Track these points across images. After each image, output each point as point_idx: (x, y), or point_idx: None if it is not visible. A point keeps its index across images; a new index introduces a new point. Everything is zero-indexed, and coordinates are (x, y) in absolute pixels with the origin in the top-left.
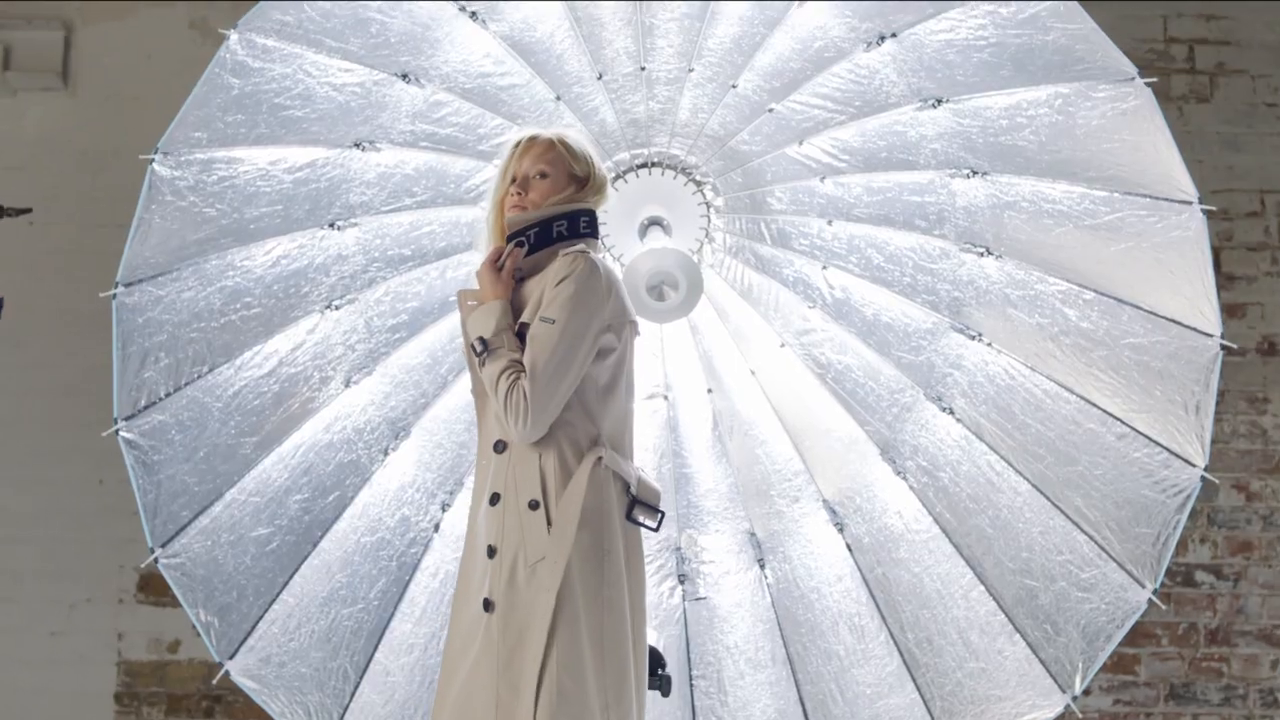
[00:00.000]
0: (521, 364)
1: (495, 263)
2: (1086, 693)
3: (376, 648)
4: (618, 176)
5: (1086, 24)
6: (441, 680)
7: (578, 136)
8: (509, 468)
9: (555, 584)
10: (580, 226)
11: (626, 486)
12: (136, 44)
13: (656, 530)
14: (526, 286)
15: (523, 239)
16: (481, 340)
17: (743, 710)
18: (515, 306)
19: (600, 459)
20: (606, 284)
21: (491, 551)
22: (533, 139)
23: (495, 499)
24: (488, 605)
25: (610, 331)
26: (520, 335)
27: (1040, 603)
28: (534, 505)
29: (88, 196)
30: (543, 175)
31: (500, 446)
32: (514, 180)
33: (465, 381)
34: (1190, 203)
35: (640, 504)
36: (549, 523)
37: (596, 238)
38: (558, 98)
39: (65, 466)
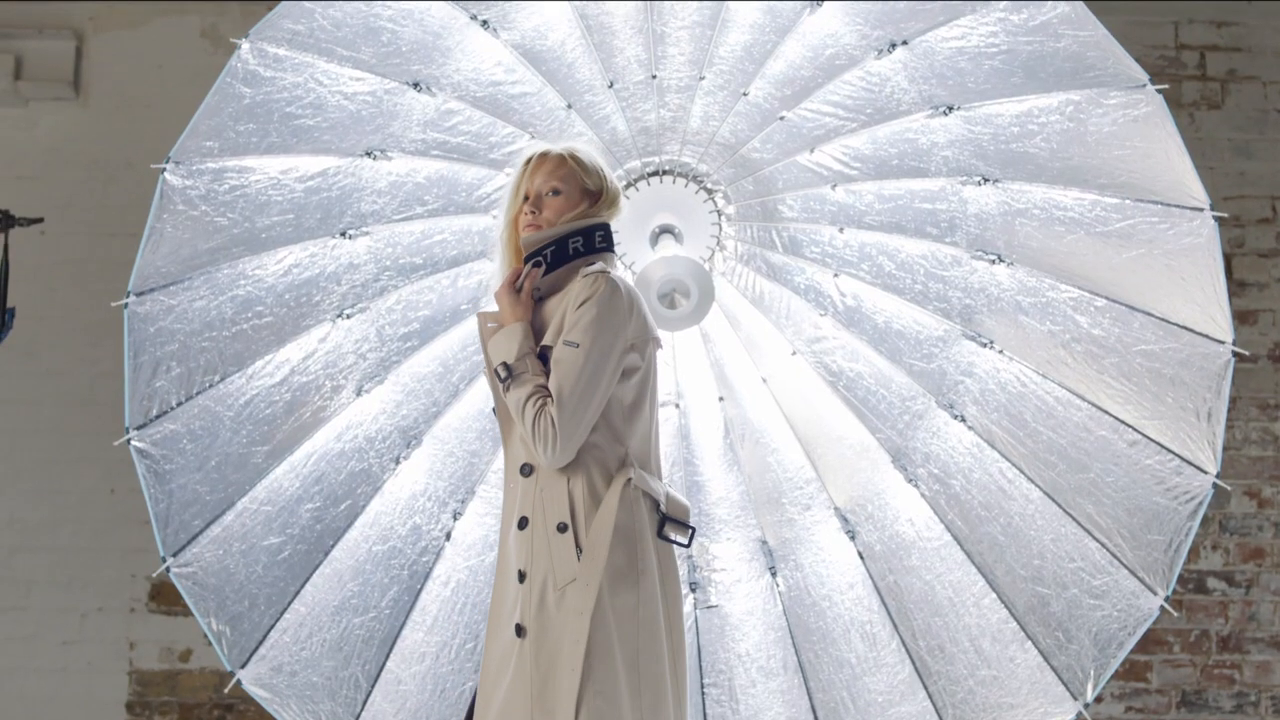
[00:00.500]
0: (547, 389)
1: (513, 284)
2: (1098, 700)
3: (388, 656)
4: (629, 184)
5: (1098, 31)
6: (479, 707)
7: (588, 149)
8: (536, 491)
9: (588, 607)
10: (596, 241)
11: (656, 504)
12: (148, 53)
13: (688, 546)
14: (547, 306)
15: (540, 258)
16: (505, 366)
17: (755, 718)
18: (536, 327)
19: (630, 480)
20: (628, 303)
21: (521, 576)
22: (544, 155)
23: (524, 523)
24: (519, 631)
25: (634, 351)
26: (543, 357)
27: (1052, 610)
28: (562, 528)
29: (99, 206)
30: (555, 192)
31: (527, 470)
32: (527, 198)
33: (476, 390)
34: (1202, 209)
35: (671, 521)
36: (578, 546)
37: (613, 251)
38: (569, 106)
39: (77, 476)
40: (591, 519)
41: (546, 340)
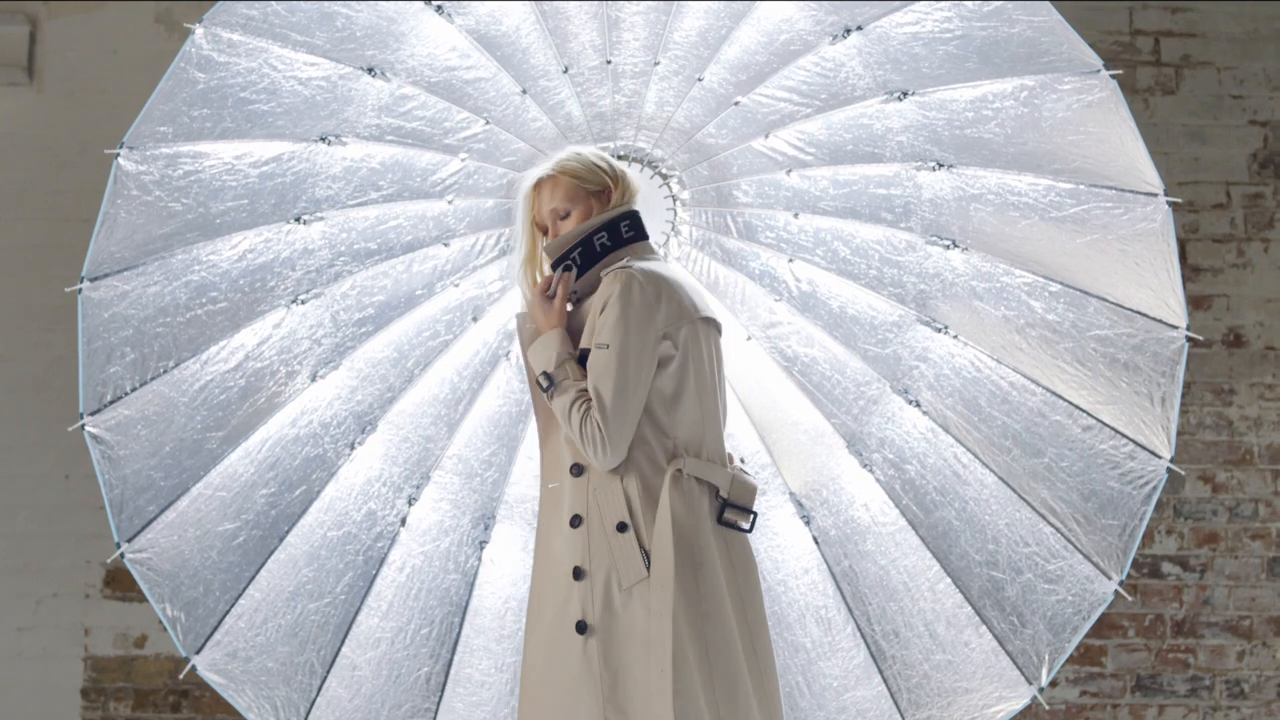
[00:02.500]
0: (588, 393)
1: (546, 292)
2: (1053, 684)
3: (343, 642)
4: None
5: (1052, 17)
6: (524, 701)
7: (576, 150)
8: (589, 490)
9: (667, 609)
10: (622, 233)
11: (715, 490)
12: (102, 39)
13: (749, 531)
14: (585, 306)
15: (569, 263)
16: (546, 375)
17: None
18: (575, 329)
19: (680, 470)
20: (654, 293)
21: (579, 573)
22: (537, 184)
23: (576, 520)
24: (581, 628)
25: (667, 339)
26: (583, 361)
27: (1007, 594)
28: (622, 528)
29: (53, 191)
30: (564, 215)
31: (577, 470)
32: (544, 231)
33: (431, 375)
34: (1156, 195)
35: (732, 506)
36: (641, 546)
37: (645, 238)
38: (523, 91)
39: (31, 462)
40: (649, 516)
41: (583, 343)
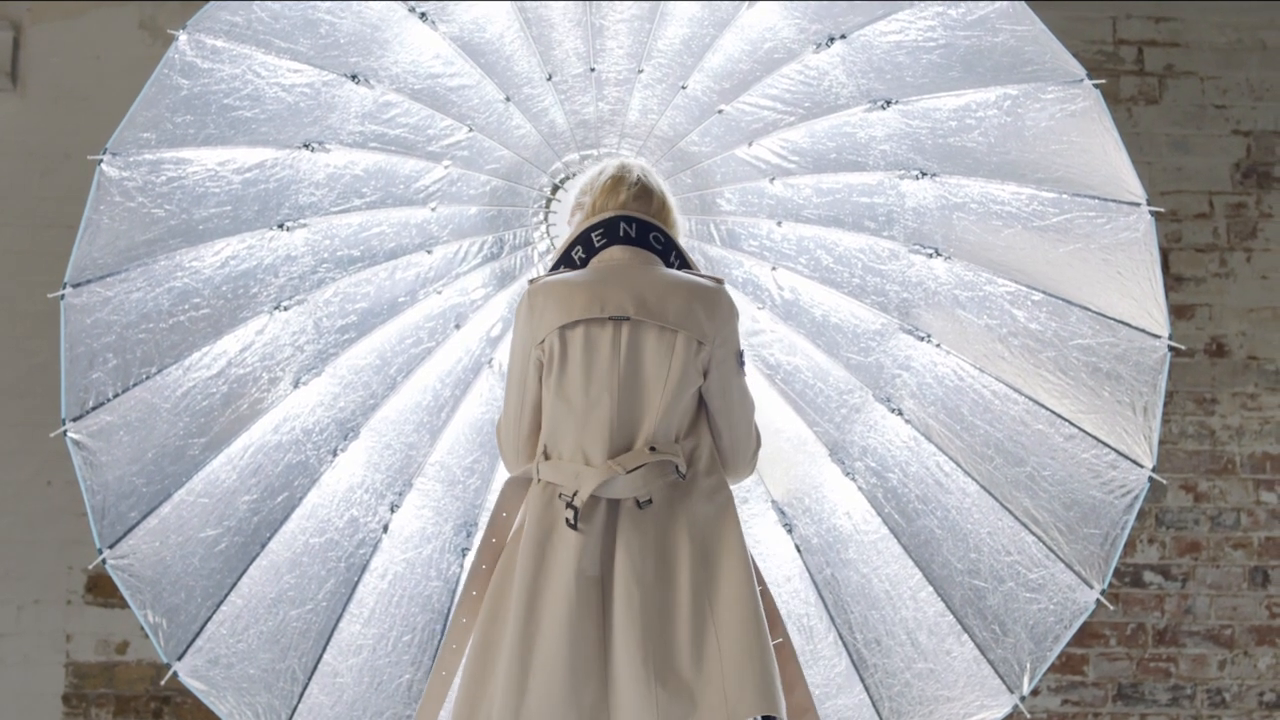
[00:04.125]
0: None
1: None
2: (1035, 693)
3: (325, 649)
4: (566, 177)
5: (1035, 26)
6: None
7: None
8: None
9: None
10: (594, 241)
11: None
12: (86, 44)
13: (574, 526)
14: None
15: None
16: None
17: None
18: None
19: (536, 473)
20: (531, 306)
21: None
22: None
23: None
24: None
25: (540, 347)
26: None
27: (988, 603)
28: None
29: (36, 197)
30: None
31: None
32: None
33: (414, 383)
34: (1139, 204)
35: (570, 506)
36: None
37: (616, 241)
38: (507, 99)
39: (13, 468)
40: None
41: None
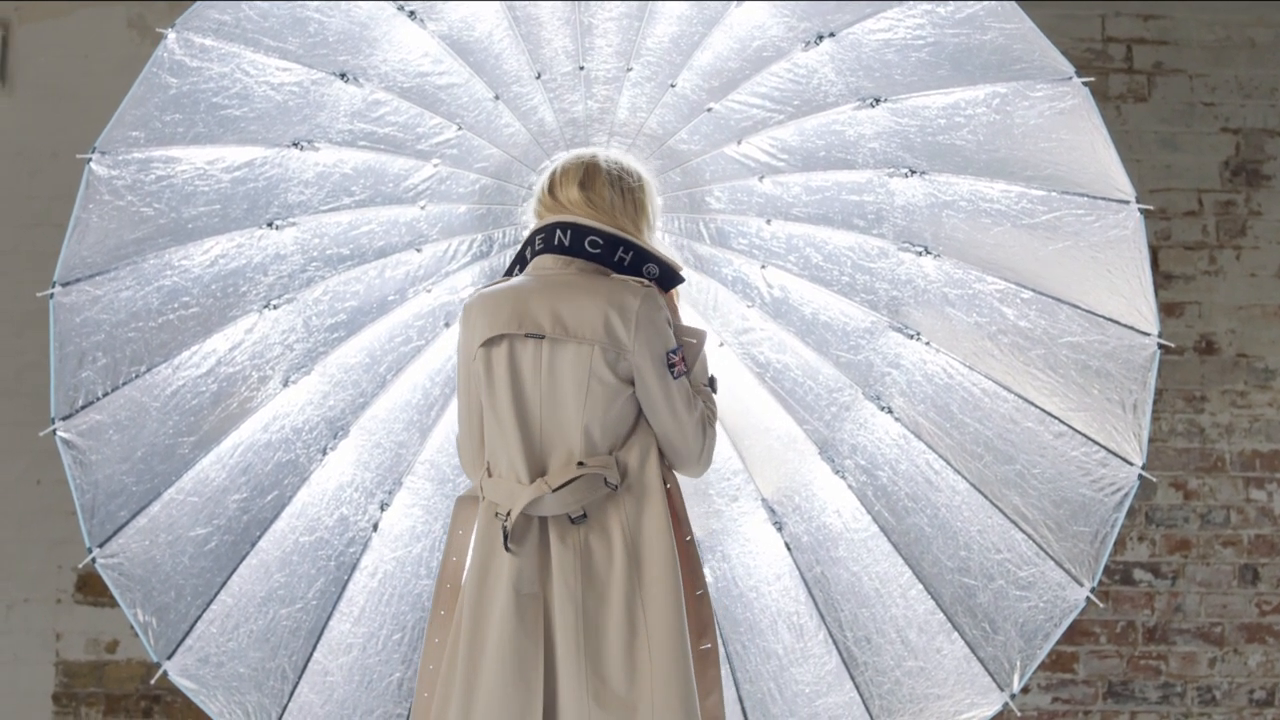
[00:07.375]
0: None
1: None
2: (1025, 691)
3: (315, 648)
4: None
5: (1024, 23)
6: None
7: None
8: None
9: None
10: (535, 244)
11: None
12: (74, 43)
13: (507, 547)
14: None
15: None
16: None
17: None
18: None
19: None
20: (462, 320)
21: None
22: None
23: None
24: None
25: (476, 359)
26: None
27: (978, 601)
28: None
29: (25, 196)
30: None
31: None
32: None
33: (404, 381)
34: (1128, 202)
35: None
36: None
37: (551, 249)
38: (496, 97)
39: (3, 467)
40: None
41: None
